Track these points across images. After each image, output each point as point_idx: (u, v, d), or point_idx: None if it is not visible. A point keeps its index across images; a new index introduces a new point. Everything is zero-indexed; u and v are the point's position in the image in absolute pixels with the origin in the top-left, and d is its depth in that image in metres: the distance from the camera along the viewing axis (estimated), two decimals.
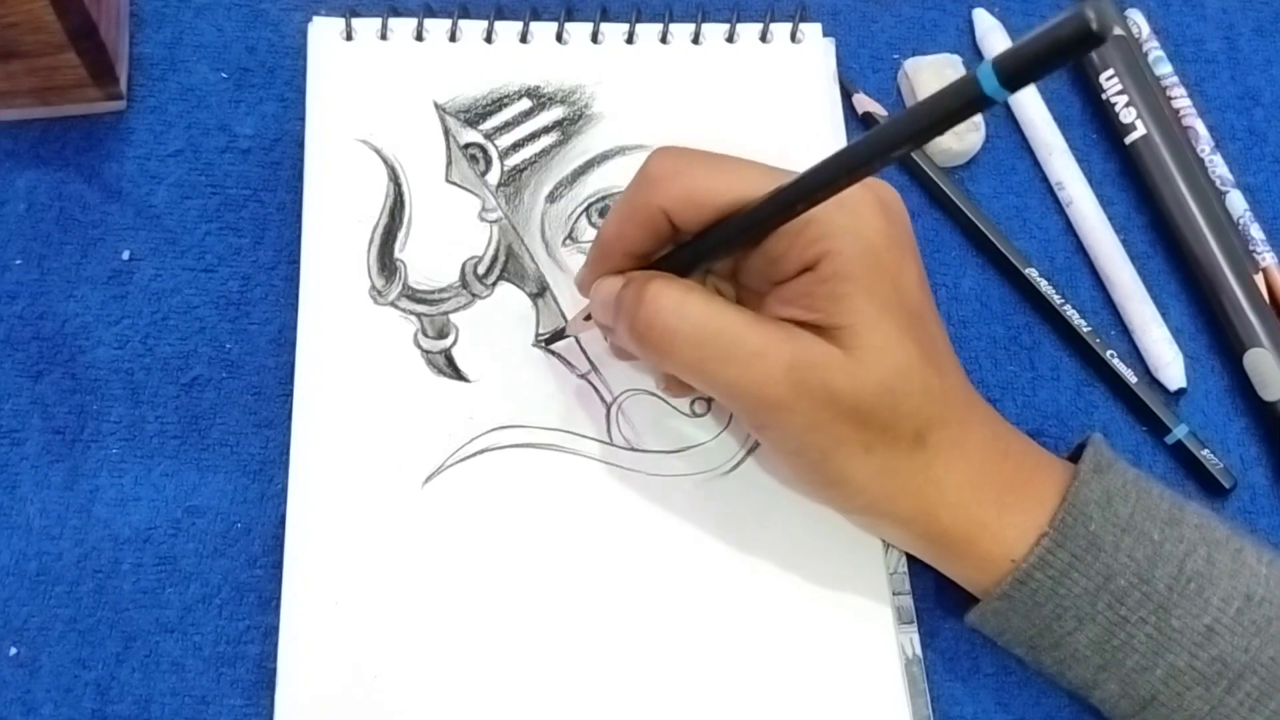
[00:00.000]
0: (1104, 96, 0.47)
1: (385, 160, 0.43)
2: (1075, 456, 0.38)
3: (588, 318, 0.39)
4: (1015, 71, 0.25)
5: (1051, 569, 0.35)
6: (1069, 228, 0.47)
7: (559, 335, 0.42)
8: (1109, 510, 0.35)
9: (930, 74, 0.47)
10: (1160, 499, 0.36)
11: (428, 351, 0.41)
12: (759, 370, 0.34)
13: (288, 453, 0.39)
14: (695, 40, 0.47)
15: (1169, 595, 0.35)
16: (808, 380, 0.34)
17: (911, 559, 0.40)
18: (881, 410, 0.34)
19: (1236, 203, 0.47)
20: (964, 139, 0.46)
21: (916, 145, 0.29)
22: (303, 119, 0.44)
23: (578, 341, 0.42)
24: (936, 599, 0.40)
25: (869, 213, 0.35)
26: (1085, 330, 0.44)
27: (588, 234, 0.43)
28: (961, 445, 0.36)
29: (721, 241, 0.35)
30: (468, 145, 0.44)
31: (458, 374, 0.41)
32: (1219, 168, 0.47)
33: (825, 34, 0.48)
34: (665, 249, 0.37)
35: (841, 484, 0.36)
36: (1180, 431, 0.43)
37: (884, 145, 0.29)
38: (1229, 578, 0.35)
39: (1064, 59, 0.24)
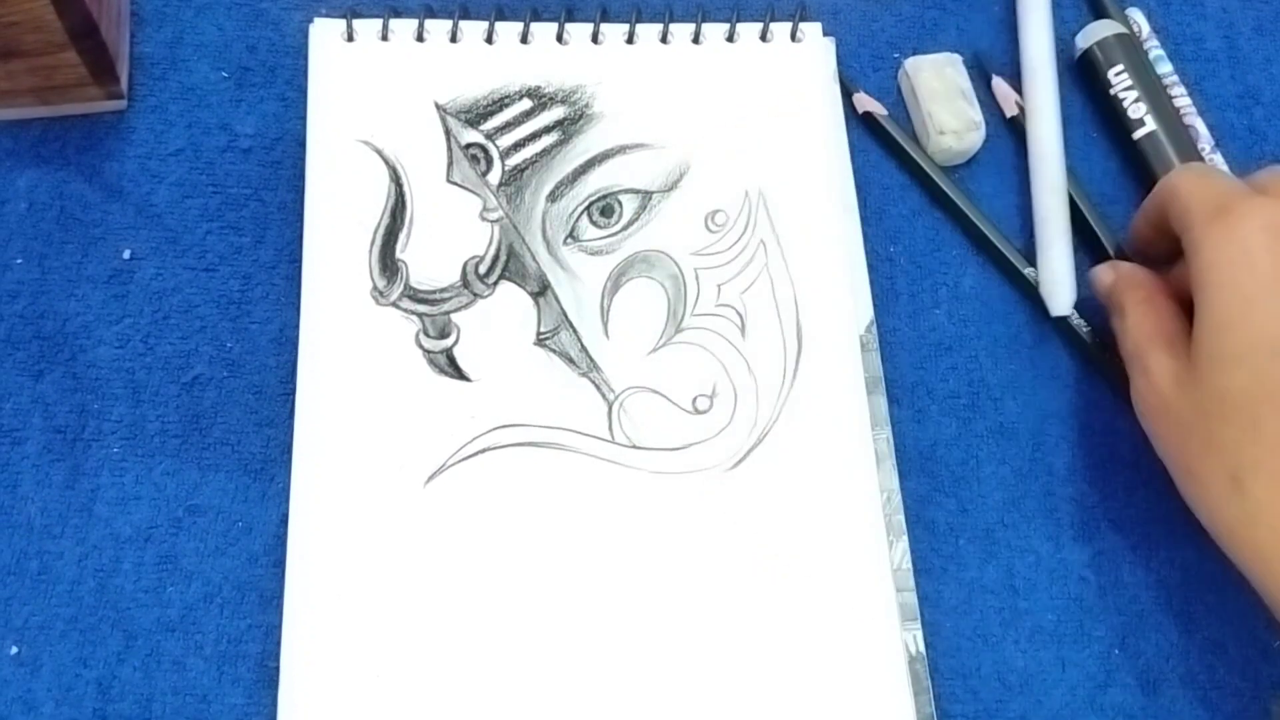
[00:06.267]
0: (1112, 92, 0.47)
1: (386, 161, 0.43)
2: None
3: None
4: None
5: None
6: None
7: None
8: None
9: (930, 73, 0.47)
10: None
11: (429, 351, 0.41)
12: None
13: (288, 452, 0.39)
14: (695, 40, 0.47)
15: None
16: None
17: (914, 557, 0.40)
18: (1196, 431, 0.36)
19: None
20: (964, 139, 0.46)
21: None
22: (304, 118, 0.44)
23: (579, 340, 0.42)
24: (940, 597, 0.40)
25: (1258, 251, 0.36)
26: (1084, 330, 0.44)
27: (589, 233, 0.43)
28: None
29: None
30: (469, 145, 0.44)
31: (459, 373, 0.41)
32: (1220, 166, 0.47)
33: (825, 33, 0.48)
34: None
35: (1194, 483, 0.38)
36: None
37: None
38: None
39: None
